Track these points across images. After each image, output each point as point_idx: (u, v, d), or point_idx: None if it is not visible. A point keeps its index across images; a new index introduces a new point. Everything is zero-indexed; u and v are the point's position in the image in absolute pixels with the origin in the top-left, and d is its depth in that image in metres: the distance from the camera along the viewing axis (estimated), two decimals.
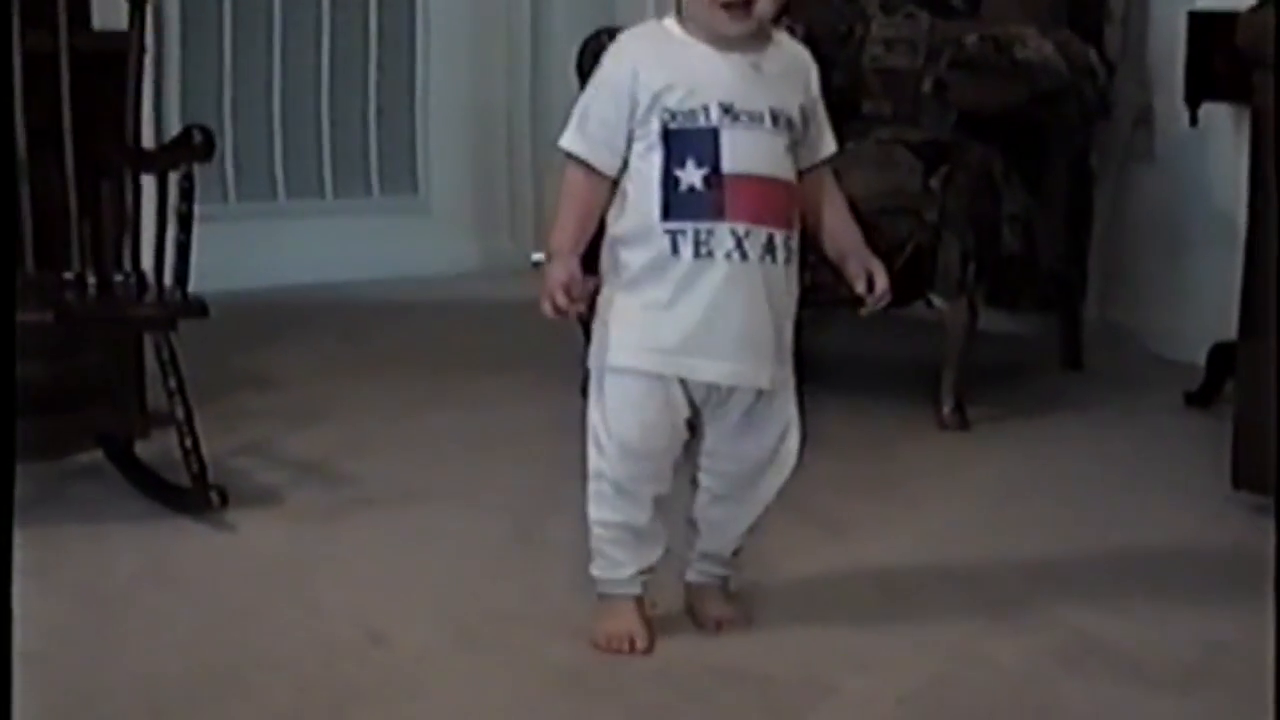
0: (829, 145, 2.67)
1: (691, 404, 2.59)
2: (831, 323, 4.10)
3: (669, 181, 2.51)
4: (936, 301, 4.00)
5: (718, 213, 2.49)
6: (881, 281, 2.64)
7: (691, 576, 2.77)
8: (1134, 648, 2.73)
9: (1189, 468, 3.66)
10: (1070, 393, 4.41)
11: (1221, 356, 4.07)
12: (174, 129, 5.25)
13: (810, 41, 4.77)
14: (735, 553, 2.75)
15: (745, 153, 2.51)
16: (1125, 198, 4.84)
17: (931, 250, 3.98)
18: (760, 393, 2.59)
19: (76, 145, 3.45)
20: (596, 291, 2.57)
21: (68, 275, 3.42)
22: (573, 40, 4.48)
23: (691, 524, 2.72)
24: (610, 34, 4.38)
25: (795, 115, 2.56)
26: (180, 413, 3.30)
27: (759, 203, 2.51)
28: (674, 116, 2.49)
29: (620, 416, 2.58)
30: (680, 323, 2.53)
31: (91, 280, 3.38)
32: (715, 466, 2.67)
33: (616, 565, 2.67)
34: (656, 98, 2.50)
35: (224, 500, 3.27)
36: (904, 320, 4.10)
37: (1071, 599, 2.92)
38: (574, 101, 4.61)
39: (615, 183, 2.56)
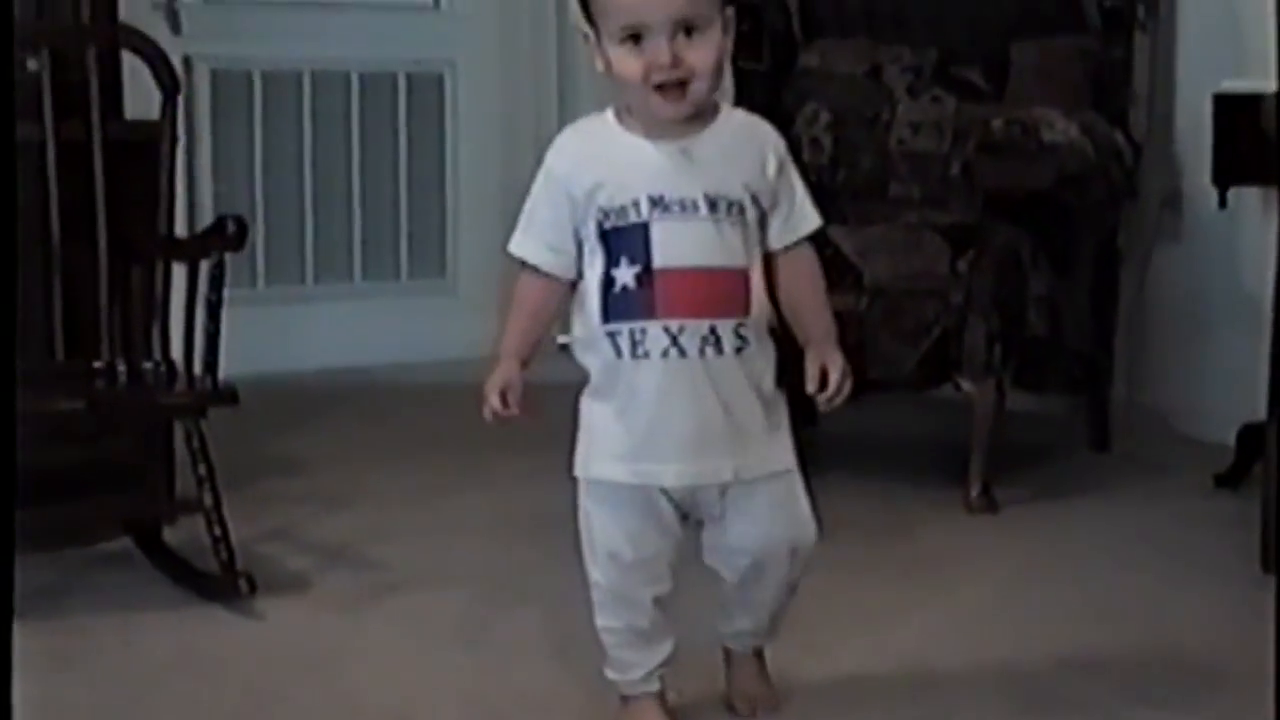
0: (807, 222, 2.52)
1: (675, 504, 2.52)
2: (857, 403, 4.10)
3: (607, 283, 2.43)
4: (964, 384, 4.00)
5: (649, 311, 2.40)
6: (834, 377, 2.50)
7: (728, 643, 2.74)
8: None
9: (1219, 551, 3.64)
10: (1098, 475, 4.40)
11: (1251, 437, 4.06)
12: (206, 212, 5.30)
13: (837, 125, 4.86)
14: (772, 621, 2.69)
15: (678, 245, 2.40)
16: (1152, 279, 4.84)
17: (958, 332, 3.99)
18: (733, 484, 2.49)
19: (109, 234, 3.48)
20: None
21: (98, 363, 3.44)
22: None
23: (722, 605, 2.68)
24: None
25: (741, 196, 2.43)
26: (209, 500, 3.31)
27: (695, 295, 2.41)
28: (607, 215, 2.41)
29: (604, 527, 2.54)
30: (630, 429, 2.46)
31: (122, 368, 3.40)
32: (719, 560, 2.60)
33: (629, 667, 2.62)
34: (590, 197, 2.42)
35: (252, 587, 3.28)
36: (931, 402, 4.11)
37: (1106, 689, 2.90)
38: None
39: (574, 285, 2.49)
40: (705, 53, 2.35)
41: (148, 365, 3.43)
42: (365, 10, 5.84)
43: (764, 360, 2.48)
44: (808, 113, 4.70)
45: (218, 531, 3.31)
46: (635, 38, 2.35)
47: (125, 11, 4.16)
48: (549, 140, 6.86)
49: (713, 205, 2.40)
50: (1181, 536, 3.85)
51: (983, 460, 4.02)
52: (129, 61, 3.68)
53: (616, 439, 2.48)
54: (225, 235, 3.33)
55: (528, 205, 2.51)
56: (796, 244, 2.51)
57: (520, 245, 2.51)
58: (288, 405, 5.02)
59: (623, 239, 2.40)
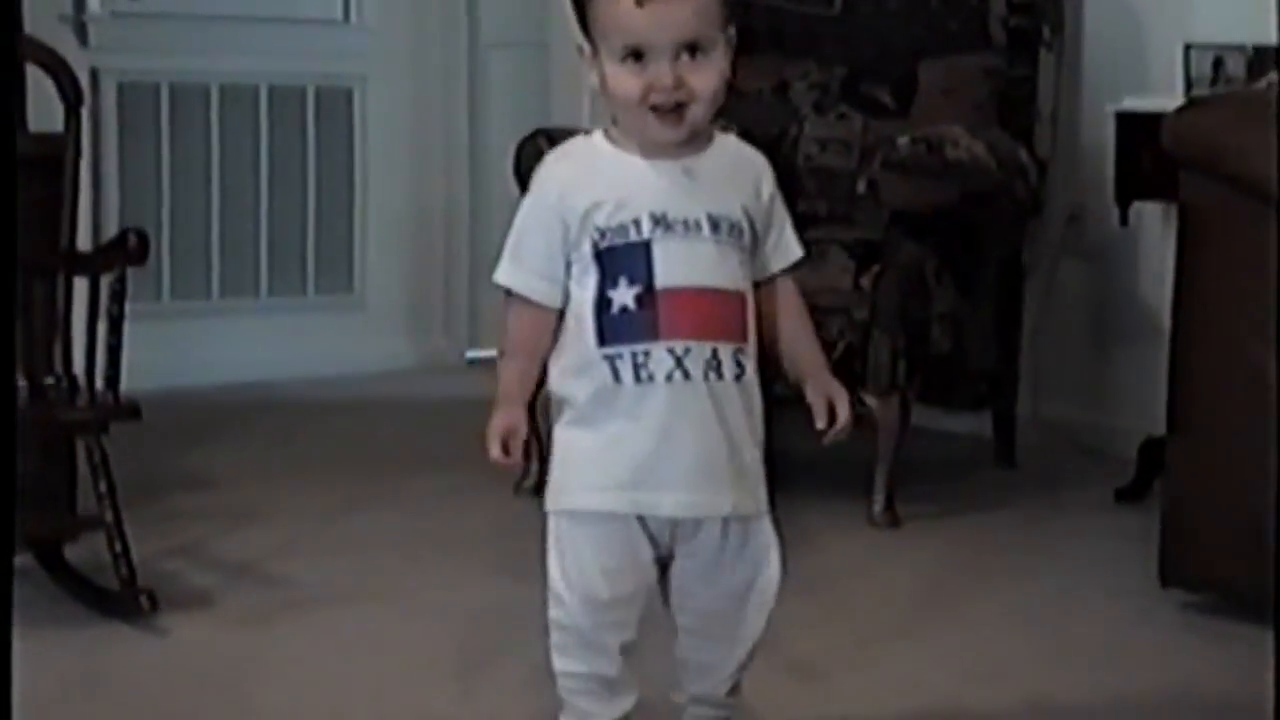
0: (791, 252, 2.46)
1: (655, 542, 2.38)
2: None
3: (602, 304, 2.31)
4: (868, 399, 4.02)
5: (652, 332, 2.29)
6: (843, 412, 2.42)
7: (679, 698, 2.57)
8: None
9: (1119, 566, 3.68)
10: (1002, 490, 4.44)
11: (1151, 452, 4.11)
12: (112, 226, 5.27)
13: (744, 140, 4.86)
14: (731, 692, 2.53)
15: (681, 264, 2.30)
16: (1057, 295, 4.88)
17: (862, 348, 4.02)
18: (729, 521, 2.39)
19: (9, 248, 3.45)
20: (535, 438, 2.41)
21: None
22: (509, 141, 4.52)
23: (681, 664, 2.53)
24: (547, 135, 4.43)
25: (740, 220, 2.35)
26: (110, 516, 3.30)
27: (698, 316, 2.31)
28: (603, 234, 2.31)
29: (580, 565, 2.37)
30: (630, 455, 2.32)
31: (22, 383, 3.38)
32: (688, 604, 2.46)
33: (587, 717, 2.45)
34: (585, 217, 2.31)
35: (154, 604, 3.26)
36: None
37: (1009, 700, 2.93)
38: (511, 202, 4.65)
39: (562, 314, 2.36)
40: (707, 76, 2.28)
41: (49, 380, 3.41)
42: (274, 24, 5.82)
43: (757, 390, 2.39)
44: (716, 128, 4.72)
45: (119, 548, 3.29)
46: (637, 56, 2.27)
47: (31, 24, 4.15)
48: (459, 156, 6.88)
49: (715, 225, 2.32)
50: (1082, 550, 3.89)
51: (886, 475, 4.05)
52: (32, 74, 3.66)
53: (607, 468, 2.34)
54: (127, 249, 3.32)
55: (514, 232, 2.38)
56: (784, 273, 2.45)
57: (510, 275, 2.37)
58: (193, 421, 4.99)
59: (621, 258, 2.31)
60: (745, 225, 2.36)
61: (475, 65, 6.21)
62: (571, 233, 2.32)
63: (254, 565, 3.66)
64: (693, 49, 2.26)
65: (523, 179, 4.40)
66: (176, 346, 5.44)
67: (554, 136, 4.46)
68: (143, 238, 3.32)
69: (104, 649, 3.17)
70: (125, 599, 3.28)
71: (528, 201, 2.38)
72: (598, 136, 2.38)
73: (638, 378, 2.30)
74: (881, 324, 4.01)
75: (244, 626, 3.30)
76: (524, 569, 3.61)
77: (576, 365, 2.34)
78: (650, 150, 2.34)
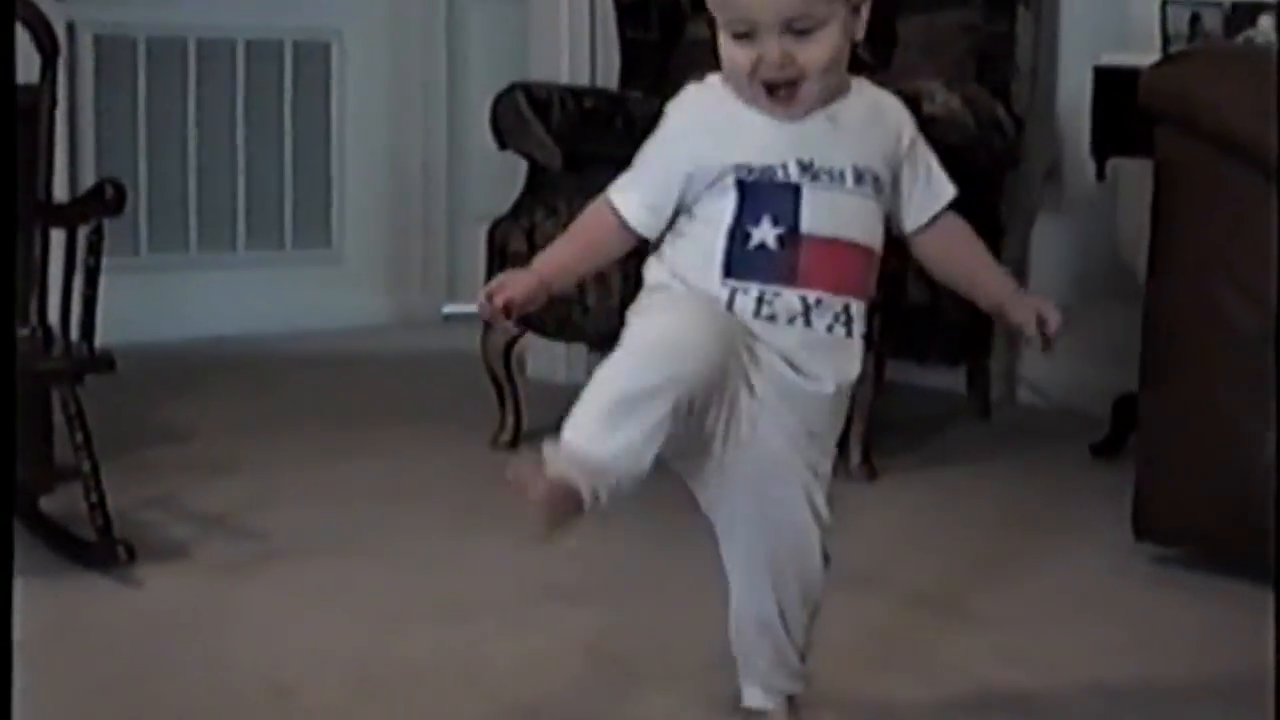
0: (947, 190, 2.38)
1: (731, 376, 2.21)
2: None
3: (737, 235, 2.23)
4: None
5: (789, 276, 2.22)
6: (1053, 316, 2.35)
7: (752, 701, 2.46)
8: (1041, 697, 2.76)
9: (1092, 519, 3.70)
10: (977, 444, 4.45)
11: (1125, 408, 4.12)
12: (88, 178, 5.26)
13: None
14: (801, 658, 2.43)
15: (827, 214, 2.23)
16: (1033, 249, 4.89)
17: None
18: (794, 431, 2.27)
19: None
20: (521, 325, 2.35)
21: None
22: (487, 95, 4.51)
23: (741, 652, 2.43)
24: (525, 89, 4.43)
25: (881, 172, 2.28)
26: (86, 466, 3.29)
27: (837, 269, 2.24)
28: (750, 170, 2.22)
29: (655, 313, 2.23)
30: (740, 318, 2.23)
31: None
32: (747, 454, 2.27)
33: (592, 440, 2.11)
34: (726, 153, 2.23)
35: (130, 555, 3.26)
36: None
37: (974, 649, 2.94)
38: (489, 155, 4.67)
39: (643, 244, 2.31)
40: (818, 51, 2.20)
41: (24, 331, 3.40)
42: None
43: (861, 351, 2.31)
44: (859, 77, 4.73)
45: (94, 498, 3.29)
46: (747, 33, 2.19)
47: None
48: (437, 110, 6.82)
49: (859, 178, 2.26)
50: (1057, 504, 3.91)
51: (862, 428, 4.05)
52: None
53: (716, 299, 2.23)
54: (104, 200, 3.31)
55: (640, 155, 2.31)
56: (942, 213, 2.37)
57: (621, 194, 2.31)
58: (170, 374, 4.99)
59: (766, 195, 2.23)
60: (887, 176, 2.30)
61: (453, 18, 6.20)
62: (700, 166, 2.23)
63: (229, 516, 3.66)
64: (802, 29, 2.18)
65: (500, 132, 4.40)
66: (154, 300, 5.45)
67: (532, 90, 4.46)
68: (119, 189, 3.31)
69: (80, 599, 3.17)
70: (102, 549, 3.28)
71: (660, 129, 2.31)
72: (725, 89, 2.26)
73: (758, 313, 2.22)
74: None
75: (219, 577, 3.30)
76: (497, 520, 3.63)
77: (686, 275, 2.25)
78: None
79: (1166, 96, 3.35)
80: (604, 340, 4.60)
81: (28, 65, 3.57)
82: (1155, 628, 3.10)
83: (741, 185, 2.23)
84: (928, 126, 4.09)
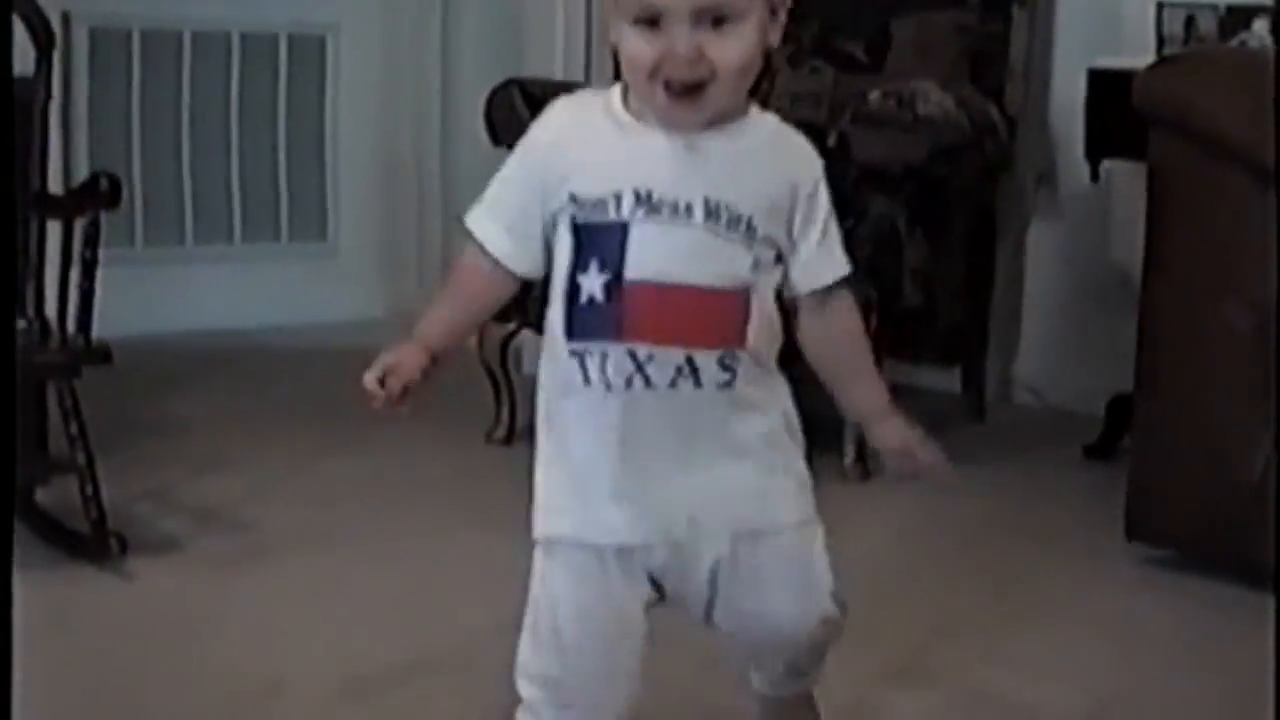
0: (840, 264, 2.08)
1: (652, 580, 2.06)
2: None
3: (572, 291, 1.98)
4: None
5: (615, 330, 1.96)
6: (924, 457, 2.14)
7: (762, 688, 2.27)
8: (1029, 701, 2.76)
9: (1086, 520, 3.70)
10: (971, 445, 4.45)
11: (1119, 409, 4.13)
12: (83, 173, 5.25)
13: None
14: (816, 653, 2.24)
15: (658, 253, 1.95)
16: (1027, 252, 4.90)
17: None
18: (731, 547, 2.05)
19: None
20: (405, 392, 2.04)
21: None
22: (481, 90, 4.51)
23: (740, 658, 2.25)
24: (520, 85, 4.43)
25: (750, 213, 1.97)
26: (81, 459, 3.30)
27: (667, 316, 1.95)
28: (582, 206, 1.96)
29: (552, 598, 2.06)
30: (584, 470, 2.01)
31: None
32: (731, 631, 2.13)
33: None
34: (564, 180, 1.97)
35: (123, 548, 3.27)
36: (806, 369, 4.13)
37: (969, 653, 2.95)
38: (484, 150, 4.65)
39: (527, 284, 2.06)
40: (734, 49, 1.91)
41: (20, 324, 3.40)
42: None
43: (765, 394, 2.05)
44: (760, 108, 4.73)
45: (89, 491, 3.30)
46: (651, 21, 1.90)
47: None
48: (431, 105, 6.82)
49: (712, 213, 1.96)
50: (1050, 506, 3.92)
51: (856, 428, 4.05)
52: None
53: (570, 484, 2.03)
54: (99, 192, 3.32)
55: (497, 177, 2.06)
56: (824, 291, 2.07)
57: (476, 220, 2.05)
58: (165, 367, 4.99)
59: (596, 238, 1.96)
60: (759, 220, 1.98)
61: (448, 13, 6.18)
62: (550, 193, 1.99)
63: (222, 511, 3.67)
64: (718, 18, 1.91)
65: (494, 128, 4.40)
66: (149, 293, 5.43)
67: (526, 86, 4.46)
68: (114, 181, 3.31)
69: (73, 592, 3.17)
70: (95, 542, 3.29)
71: (519, 147, 2.05)
72: (615, 93, 2.01)
73: (603, 381, 1.97)
74: (852, 278, 4.01)
75: (211, 571, 3.31)
76: (491, 516, 3.62)
77: (549, 353, 2.02)
78: (661, 122, 1.98)
79: (1161, 100, 3.36)
80: None
81: (23, 57, 3.58)
82: (1146, 629, 3.11)
83: (575, 225, 1.98)
84: (922, 127, 4.14)
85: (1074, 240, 4.82)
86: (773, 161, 2.02)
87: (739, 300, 1.99)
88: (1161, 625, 3.14)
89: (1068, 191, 4.79)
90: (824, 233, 2.05)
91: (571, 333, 1.98)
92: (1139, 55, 4.10)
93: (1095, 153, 4.42)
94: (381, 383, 2.02)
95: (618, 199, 1.95)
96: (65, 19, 5.33)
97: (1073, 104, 4.55)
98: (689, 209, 1.95)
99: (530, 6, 5.17)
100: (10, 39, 3.33)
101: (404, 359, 2.03)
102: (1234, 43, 4.18)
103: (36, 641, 2.90)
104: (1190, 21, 4.32)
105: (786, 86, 4.67)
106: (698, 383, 1.97)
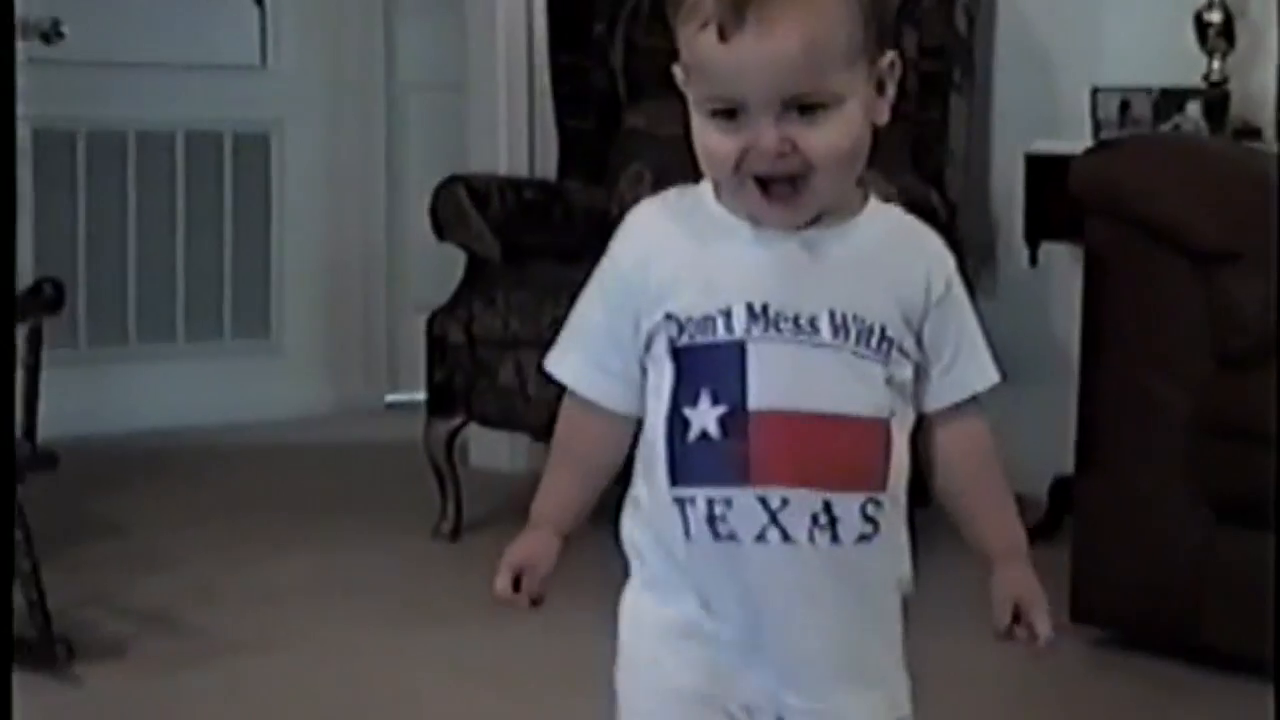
0: (980, 374, 1.78)
1: None
2: None
3: (675, 425, 1.66)
4: None
5: (740, 473, 1.63)
6: (1041, 626, 1.82)
7: None
8: None
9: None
10: (913, 524, 4.47)
11: (1061, 490, 4.16)
12: (27, 272, 5.26)
13: (659, 185, 4.85)
14: None
15: (786, 378, 1.64)
16: None
17: None
18: None
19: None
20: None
21: None
22: (426, 186, 4.54)
23: None
24: (465, 182, 4.46)
25: (884, 323, 1.67)
26: (26, 565, 3.29)
27: (806, 453, 1.64)
28: (683, 328, 1.66)
29: None
30: (708, 646, 1.70)
31: None
32: None
33: None
34: (660, 298, 1.67)
35: (70, 653, 3.26)
36: None
37: None
38: (429, 246, 4.67)
39: (639, 419, 1.73)
40: (833, 135, 1.61)
41: None
42: (190, 70, 5.83)
43: (897, 553, 1.76)
44: (631, 173, 4.76)
45: (34, 596, 3.29)
46: (729, 112, 1.62)
47: None
48: (376, 201, 6.83)
49: (840, 329, 1.66)
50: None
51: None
52: None
53: (681, 663, 1.71)
54: (43, 299, 3.32)
55: (577, 306, 1.75)
56: (962, 405, 1.77)
57: (559, 363, 1.76)
58: (110, 467, 4.98)
59: (704, 364, 1.65)
60: (894, 333, 1.69)
61: (392, 109, 6.24)
62: (644, 315, 1.69)
63: (168, 613, 3.66)
64: (807, 104, 1.61)
65: (439, 224, 4.44)
66: (93, 392, 5.44)
67: (471, 182, 4.49)
68: (58, 287, 3.33)
69: (18, 699, 3.15)
70: (42, 648, 3.27)
71: (600, 266, 1.74)
72: (707, 189, 1.71)
73: (715, 534, 1.65)
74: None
75: (157, 675, 3.30)
76: (440, 612, 3.65)
77: (647, 507, 1.71)
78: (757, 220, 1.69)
79: (1096, 185, 3.42)
80: (546, 430, 4.60)
81: None
82: (1092, 709, 3.13)
83: (675, 350, 1.67)
84: None
85: (1015, 321, 4.85)
86: (900, 260, 1.71)
87: (881, 431, 1.68)
88: (1109, 706, 3.16)
89: (1008, 273, 4.83)
90: (963, 336, 1.76)
91: (675, 478, 1.67)
92: (1075, 139, 4.16)
93: (1034, 236, 4.47)
94: (516, 584, 1.74)
95: (727, 315, 1.65)
96: None
97: (1012, 188, 4.61)
98: (813, 323, 1.65)
99: (473, 101, 5.21)
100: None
101: (535, 555, 1.75)
102: (1167, 126, 4.24)
103: None
104: (1125, 105, 4.38)
105: None
106: (835, 536, 1.66)
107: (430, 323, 4.34)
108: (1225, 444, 3.22)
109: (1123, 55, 4.54)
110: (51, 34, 5.44)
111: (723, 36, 1.58)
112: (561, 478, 1.78)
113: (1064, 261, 4.56)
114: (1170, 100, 4.30)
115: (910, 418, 1.72)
